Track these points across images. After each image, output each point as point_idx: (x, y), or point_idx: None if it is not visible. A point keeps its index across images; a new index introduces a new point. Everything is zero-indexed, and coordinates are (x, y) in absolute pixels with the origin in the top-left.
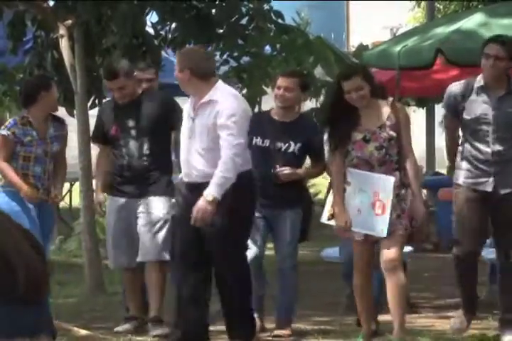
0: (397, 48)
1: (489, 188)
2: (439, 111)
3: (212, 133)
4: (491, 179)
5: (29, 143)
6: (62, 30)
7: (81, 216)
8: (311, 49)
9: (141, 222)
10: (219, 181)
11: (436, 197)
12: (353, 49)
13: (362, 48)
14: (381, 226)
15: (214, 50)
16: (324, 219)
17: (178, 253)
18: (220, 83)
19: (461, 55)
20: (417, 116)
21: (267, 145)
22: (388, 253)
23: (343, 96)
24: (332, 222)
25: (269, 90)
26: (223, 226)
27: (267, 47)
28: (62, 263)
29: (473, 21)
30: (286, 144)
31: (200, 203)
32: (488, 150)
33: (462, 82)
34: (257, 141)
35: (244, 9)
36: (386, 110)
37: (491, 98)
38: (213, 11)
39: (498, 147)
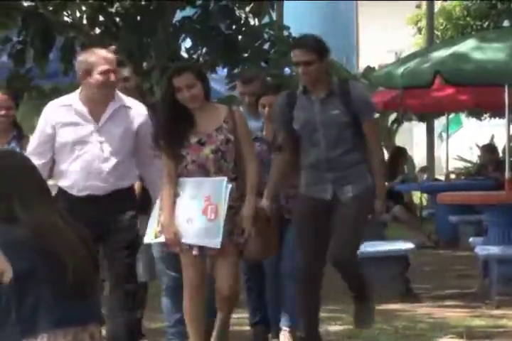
0: (401, 70)
1: (328, 196)
2: (438, 125)
3: (130, 142)
4: (330, 186)
5: None
6: None
7: None
8: None
9: None
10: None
11: (435, 201)
12: (362, 70)
13: (369, 70)
14: (215, 234)
15: (240, 71)
16: (148, 238)
17: None
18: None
19: (456, 76)
20: (419, 130)
21: None
22: (223, 289)
23: (176, 95)
24: (160, 239)
25: None
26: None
27: (287, 69)
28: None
29: (467, 45)
30: None
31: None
32: (321, 157)
33: (286, 92)
34: None
35: (266, 35)
36: (223, 113)
37: (313, 102)
38: (239, 37)
39: (331, 153)
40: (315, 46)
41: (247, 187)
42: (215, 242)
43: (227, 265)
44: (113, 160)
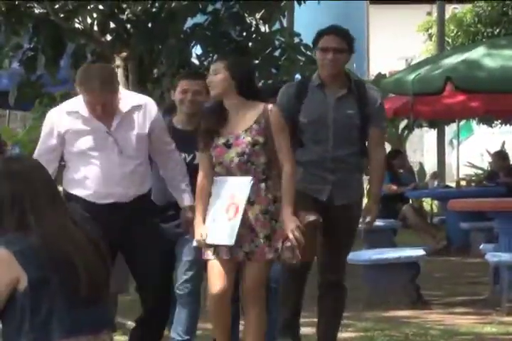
0: (411, 76)
1: (324, 197)
2: (449, 131)
3: (144, 143)
4: (328, 187)
5: None
6: (118, 61)
7: None
8: None
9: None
10: (188, 188)
11: (446, 208)
12: (373, 77)
13: (380, 76)
14: (230, 232)
15: None
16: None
17: None
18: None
19: (467, 83)
20: (429, 136)
21: None
22: (250, 282)
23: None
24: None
25: None
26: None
27: (297, 76)
28: None
29: (478, 52)
30: (191, 155)
31: (189, 216)
32: (328, 155)
33: (296, 82)
34: None
35: (277, 42)
36: (256, 112)
37: (329, 98)
38: (250, 44)
39: (337, 152)
40: (348, 37)
41: (282, 193)
42: (230, 240)
43: (256, 267)
44: (131, 165)
